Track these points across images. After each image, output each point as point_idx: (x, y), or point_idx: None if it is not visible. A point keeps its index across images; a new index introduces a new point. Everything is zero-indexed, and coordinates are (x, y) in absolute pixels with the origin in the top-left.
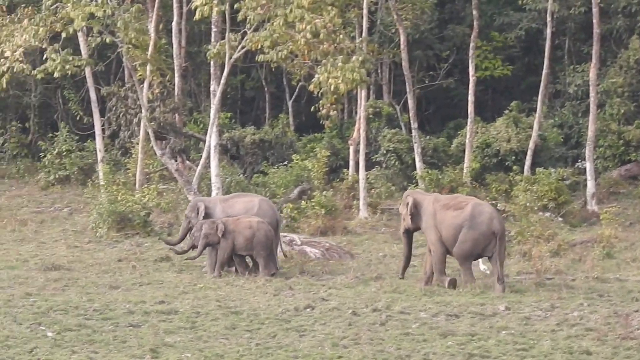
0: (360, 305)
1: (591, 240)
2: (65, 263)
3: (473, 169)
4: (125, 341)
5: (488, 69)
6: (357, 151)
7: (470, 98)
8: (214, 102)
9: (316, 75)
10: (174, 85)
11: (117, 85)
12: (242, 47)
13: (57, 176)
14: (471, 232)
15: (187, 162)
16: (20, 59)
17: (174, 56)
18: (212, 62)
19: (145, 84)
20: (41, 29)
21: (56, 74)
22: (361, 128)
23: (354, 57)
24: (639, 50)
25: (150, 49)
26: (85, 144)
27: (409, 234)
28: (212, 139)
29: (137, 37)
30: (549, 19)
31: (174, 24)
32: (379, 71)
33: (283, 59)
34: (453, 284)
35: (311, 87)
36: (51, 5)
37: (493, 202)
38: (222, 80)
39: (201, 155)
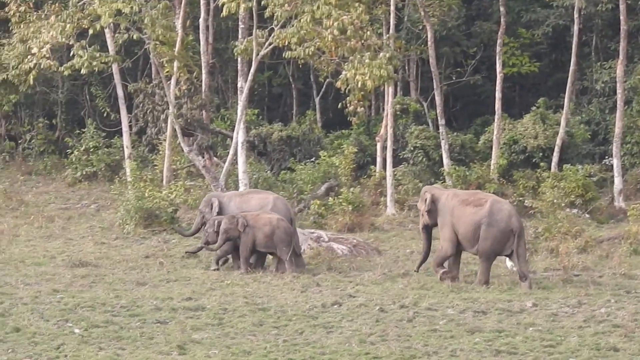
0: (387, 301)
1: (618, 237)
2: (92, 259)
3: (500, 166)
4: (153, 338)
5: (515, 66)
6: (384, 148)
7: (498, 95)
8: (241, 98)
9: (343, 72)
10: (201, 81)
11: (144, 82)
12: (270, 44)
13: (84, 173)
14: (491, 230)
15: (215, 158)
16: (48, 55)
17: (201, 53)
18: (239, 59)
19: (173, 81)
20: (68, 25)
21: (83, 71)
22: (388, 125)
23: (381, 54)
24: None
25: (177, 45)
26: (112, 140)
27: (428, 229)
28: (239, 135)
29: (165, 34)
30: (576, 15)
31: (201, 20)
32: (406, 68)
33: (310, 56)
34: (447, 278)
35: (338, 84)
36: (78, 2)
37: (520, 198)
38: (250, 77)
39: (228, 152)
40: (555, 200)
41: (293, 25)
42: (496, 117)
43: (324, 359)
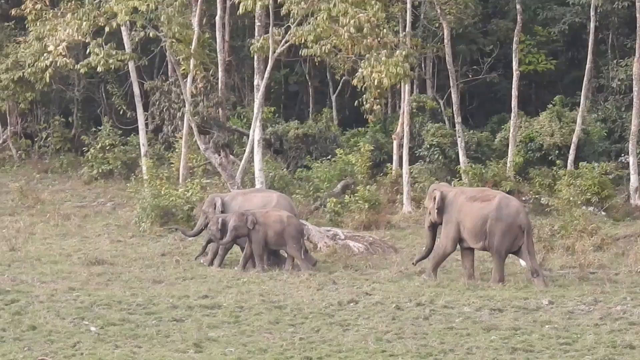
0: (403, 299)
1: (634, 235)
2: (108, 257)
3: (516, 163)
4: (169, 336)
5: (531, 64)
6: (400, 145)
7: (514, 92)
8: (258, 96)
9: (360, 70)
10: (217, 79)
11: (160, 80)
12: (286, 42)
13: (100, 170)
14: (498, 224)
15: (231, 156)
16: (64, 53)
17: (218, 50)
18: (255, 57)
19: (189, 79)
20: (84, 23)
21: (99, 69)
22: (405, 122)
23: (397, 52)
24: None
25: (193, 43)
26: (128, 138)
27: (434, 228)
28: (255, 133)
29: (181, 32)
30: (592, 13)
31: (217, 18)
32: (423, 65)
33: (327, 54)
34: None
35: (355, 82)
36: (95, 0)
37: (536, 196)
38: (266, 75)
39: (245, 150)
40: (571, 198)
41: (309, 23)
42: (512, 114)
43: (340, 356)
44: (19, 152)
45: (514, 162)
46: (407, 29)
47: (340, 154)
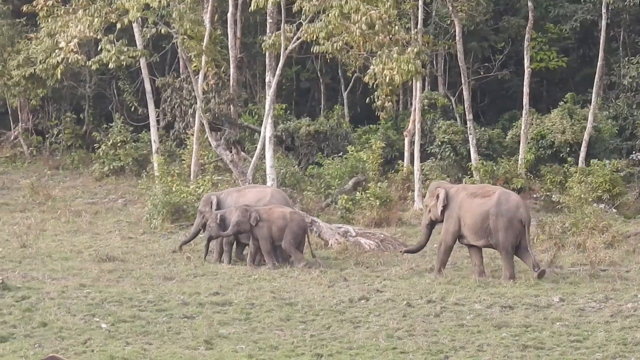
0: (414, 296)
1: None
2: (119, 254)
3: (528, 161)
4: (180, 332)
5: (543, 61)
6: (412, 142)
7: (525, 90)
8: (269, 93)
9: (371, 67)
10: (229, 76)
11: (172, 76)
12: (298, 38)
13: (111, 167)
14: (500, 220)
15: (242, 153)
16: (75, 49)
17: (229, 47)
18: (267, 53)
19: (200, 75)
20: (96, 19)
21: (111, 65)
22: (416, 119)
23: (409, 49)
24: None
25: (205, 40)
26: (139, 135)
27: (432, 226)
28: (267, 130)
29: (192, 28)
30: (604, 10)
31: (229, 14)
32: (434, 62)
33: (338, 50)
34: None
35: (366, 79)
36: None
37: (548, 193)
38: (277, 72)
39: (256, 147)
40: (582, 195)
41: (321, 20)
42: (524, 112)
43: (351, 353)
44: (30, 148)
45: (525, 160)
46: (418, 26)
47: (352, 151)
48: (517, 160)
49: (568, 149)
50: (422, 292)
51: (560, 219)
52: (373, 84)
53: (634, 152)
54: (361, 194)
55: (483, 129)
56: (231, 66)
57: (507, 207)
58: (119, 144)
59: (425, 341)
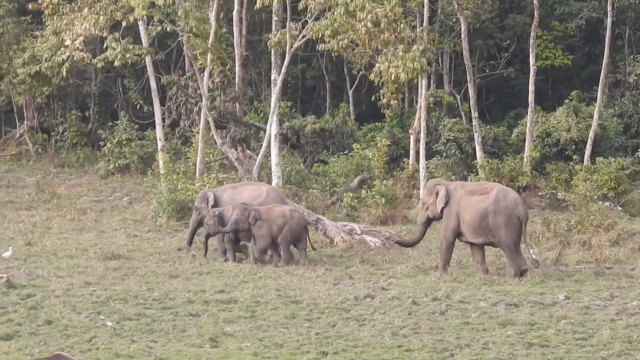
0: (420, 294)
1: None
2: (124, 252)
3: (533, 158)
4: (185, 330)
5: (548, 59)
6: (417, 140)
7: (531, 87)
8: (275, 91)
9: (377, 65)
10: (234, 74)
11: (177, 74)
12: (303, 36)
13: (117, 165)
14: (499, 217)
15: (248, 151)
16: (81, 47)
17: (235, 45)
18: (272, 51)
19: (206, 73)
20: (101, 17)
21: (116, 63)
22: (422, 117)
23: (414, 47)
24: None
25: (210, 37)
26: (145, 132)
27: (428, 224)
28: (272, 128)
29: (198, 26)
30: (609, 8)
31: (234, 12)
32: (440, 60)
33: (344, 48)
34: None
35: (372, 77)
36: None
37: (553, 191)
38: (283, 69)
39: (261, 145)
40: (587, 193)
41: (327, 18)
42: (529, 109)
43: (357, 351)
44: (36, 146)
45: (530, 157)
46: (424, 24)
47: (357, 149)
48: (523, 158)
49: (573, 146)
50: (427, 289)
51: (566, 216)
52: (378, 81)
53: (639, 149)
54: (366, 192)
55: (488, 126)
56: (237, 64)
57: (505, 204)
58: (124, 142)
59: (431, 339)
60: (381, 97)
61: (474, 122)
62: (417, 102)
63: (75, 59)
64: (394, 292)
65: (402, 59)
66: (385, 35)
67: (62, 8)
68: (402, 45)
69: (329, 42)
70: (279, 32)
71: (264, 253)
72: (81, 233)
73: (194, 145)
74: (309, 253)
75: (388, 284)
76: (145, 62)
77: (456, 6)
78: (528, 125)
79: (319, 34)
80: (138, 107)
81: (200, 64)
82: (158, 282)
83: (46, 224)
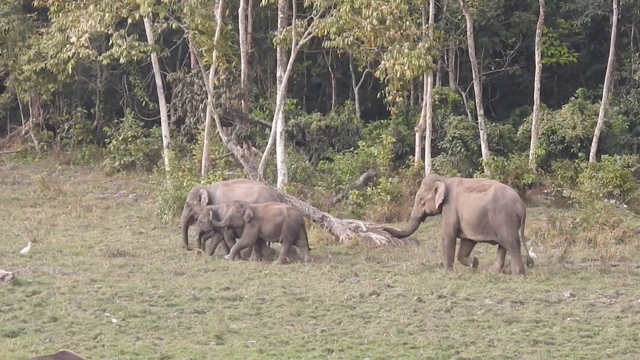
0: (425, 291)
1: None
2: (130, 249)
3: (539, 156)
4: (190, 327)
5: (554, 56)
6: (422, 138)
7: (536, 85)
8: (280, 88)
9: (382, 62)
10: (239, 71)
11: (183, 71)
12: (309, 34)
13: (122, 162)
14: (499, 215)
15: (253, 148)
16: (86, 44)
17: (240, 42)
18: (278, 49)
19: (211, 70)
20: (107, 14)
21: (122, 60)
22: (427, 115)
23: (420, 44)
24: None
25: (216, 35)
26: (150, 130)
27: (422, 219)
28: (278, 125)
29: (203, 23)
30: (614, 5)
31: (240, 10)
32: (445, 58)
33: (349, 46)
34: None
35: (377, 74)
36: None
37: (558, 188)
38: (288, 67)
39: (267, 142)
40: (593, 191)
41: (332, 15)
42: (535, 107)
43: (362, 349)
44: (41, 143)
45: (536, 155)
46: (429, 21)
47: (363, 146)
48: (528, 156)
49: (579, 144)
50: (432, 287)
51: (571, 214)
52: (384, 79)
53: None
54: (372, 189)
55: (494, 124)
56: (242, 61)
57: (504, 202)
58: (129, 139)
59: (436, 336)
60: (387, 95)
61: (480, 119)
62: (422, 99)
63: (80, 56)
64: (399, 290)
65: (407, 57)
66: (391, 32)
67: (68, 5)
68: (408, 43)
69: (334, 39)
70: (285, 30)
71: (238, 250)
72: (86, 230)
73: (199, 142)
74: (315, 253)
75: (393, 282)
76: (150, 59)
77: (462, 3)
78: (533, 123)
79: (324, 31)
80: (143, 104)
81: (206, 61)
82: (163, 280)
83: (51, 221)
